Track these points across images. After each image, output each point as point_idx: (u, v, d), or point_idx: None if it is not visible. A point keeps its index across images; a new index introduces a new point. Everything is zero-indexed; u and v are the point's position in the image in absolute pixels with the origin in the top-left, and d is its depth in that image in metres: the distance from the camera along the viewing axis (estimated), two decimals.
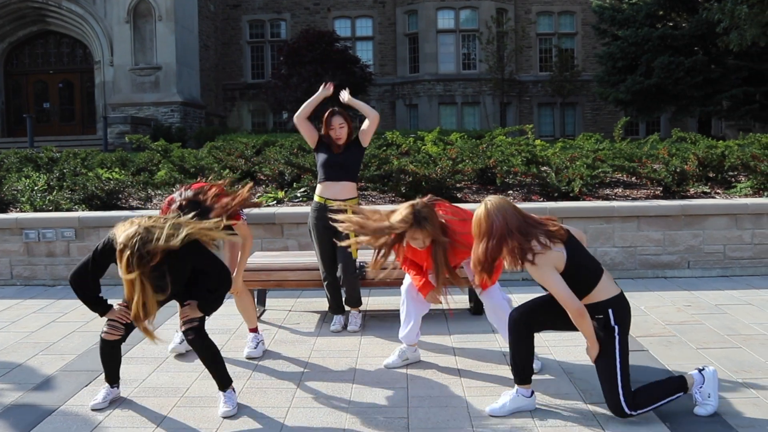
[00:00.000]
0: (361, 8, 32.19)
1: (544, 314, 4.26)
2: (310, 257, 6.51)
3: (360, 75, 26.60)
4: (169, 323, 6.30)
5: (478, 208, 4.05)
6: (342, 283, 6.06)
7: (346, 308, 6.22)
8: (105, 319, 4.53)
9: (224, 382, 4.46)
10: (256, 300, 6.42)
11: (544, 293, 4.26)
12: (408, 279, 5.10)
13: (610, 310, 4.09)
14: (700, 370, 4.25)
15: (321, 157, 6.11)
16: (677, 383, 4.19)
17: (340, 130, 6.03)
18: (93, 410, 4.43)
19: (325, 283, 6.14)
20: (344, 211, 5.38)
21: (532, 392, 4.31)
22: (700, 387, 4.20)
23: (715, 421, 4.10)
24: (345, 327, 6.11)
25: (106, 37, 25.36)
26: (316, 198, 6.10)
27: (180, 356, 5.49)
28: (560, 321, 4.18)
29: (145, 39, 24.89)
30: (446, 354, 5.42)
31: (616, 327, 4.09)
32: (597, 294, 4.09)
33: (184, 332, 4.43)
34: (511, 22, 31.01)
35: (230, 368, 5.15)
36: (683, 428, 4.01)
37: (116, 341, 4.48)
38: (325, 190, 6.04)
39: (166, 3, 24.62)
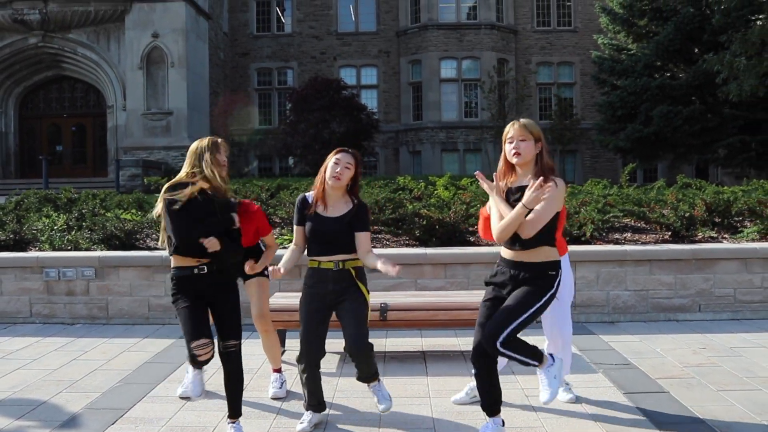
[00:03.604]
0: (366, 57, 32.51)
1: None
2: None
3: (366, 122, 26.77)
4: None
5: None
6: (356, 361, 4.59)
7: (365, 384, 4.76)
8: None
9: (238, 410, 4.53)
10: None
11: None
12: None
13: (560, 271, 4.22)
14: (551, 355, 4.39)
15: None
16: (538, 353, 4.26)
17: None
18: None
19: (304, 375, 4.62)
20: (343, 274, 4.54)
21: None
22: (549, 367, 4.33)
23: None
24: (315, 426, 4.71)
25: (120, 82, 25.56)
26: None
27: (206, 395, 5.41)
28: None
29: (158, 85, 25.09)
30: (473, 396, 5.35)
31: (554, 290, 4.19)
32: (555, 252, 4.23)
33: (224, 352, 4.43)
34: (512, 72, 31.31)
35: (255, 408, 5.13)
36: None
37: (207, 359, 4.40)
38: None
39: (179, 50, 24.88)
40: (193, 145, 4.51)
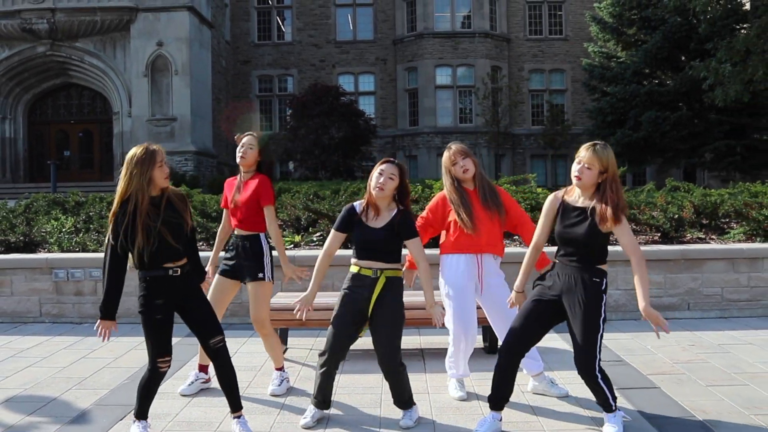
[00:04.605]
0: (364, 65, 32.55)
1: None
2: (332, 298, 6.42)
3: (364, 127, 26.78)
4: (193, 362, 6.21)
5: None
6: (385, 377, 4.62)
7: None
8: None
9: (239, 403, 4.43)
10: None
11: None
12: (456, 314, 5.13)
13: (605, 279, 4.26)
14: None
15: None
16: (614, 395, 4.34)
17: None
18: None
19: (321, 370, 4.57)
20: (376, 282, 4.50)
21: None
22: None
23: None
24: (318, 422, 4.67)
25: (125, 89, 25.55)
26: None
27: (210, 392, 5.41)
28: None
29: (162, 92, 25.09)
30: (467, 391, 5.35)
31: (604, 296, 4.24)
32: (604, 264, 4.30)
33: (213, 349, 4.35)
34: (506, 79, 31.37)
35: (259, 404, 5.12)
36: None
37: (167, 370, 4.34)
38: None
39: (182, 58, 24.88)
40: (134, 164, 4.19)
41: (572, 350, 4.29)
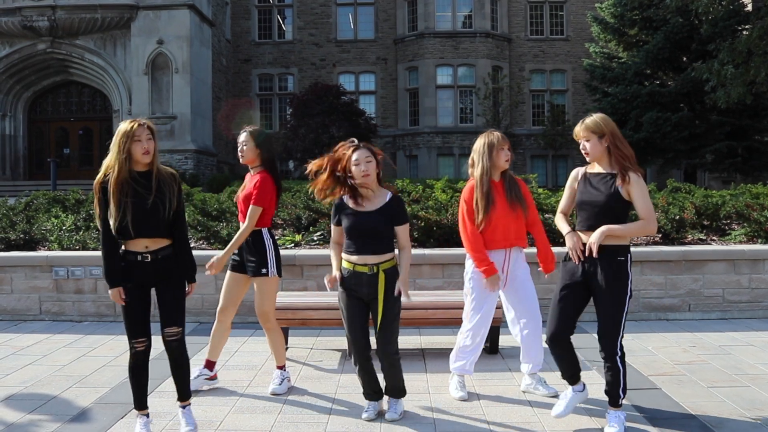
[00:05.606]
0: (364, 64, 32.54)
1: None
2: (332, 297, 6.44)
3: (365, 126, 26.78)
4: (195, 360, 6.21)
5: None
6: (381, 366, 4.72)
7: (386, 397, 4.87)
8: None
9: (185, 394, 4.46)
10: None
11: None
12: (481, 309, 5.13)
13: (629, 256, 4.27)
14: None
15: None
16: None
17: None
18: None
19: (356, 368, 4.70)
20: (376, 278, 4.55)
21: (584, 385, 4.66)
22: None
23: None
24: (379, 414, 4.80)
25: (126, 87, 25.54)
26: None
27: (210, 391, 5.42)
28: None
29: (162, 90, 25.07)
30: (468, 391, 5.35)
31: (630, 274, 4.26)
32: (626, 239, 4.27)
33: (165, 340, 4.33)
34: (507, 78, 31.36)
35: (260, 403, 5.12)
36: None
37: (146, 350, 4.32)
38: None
39: (183, 57, 24.86)
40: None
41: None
